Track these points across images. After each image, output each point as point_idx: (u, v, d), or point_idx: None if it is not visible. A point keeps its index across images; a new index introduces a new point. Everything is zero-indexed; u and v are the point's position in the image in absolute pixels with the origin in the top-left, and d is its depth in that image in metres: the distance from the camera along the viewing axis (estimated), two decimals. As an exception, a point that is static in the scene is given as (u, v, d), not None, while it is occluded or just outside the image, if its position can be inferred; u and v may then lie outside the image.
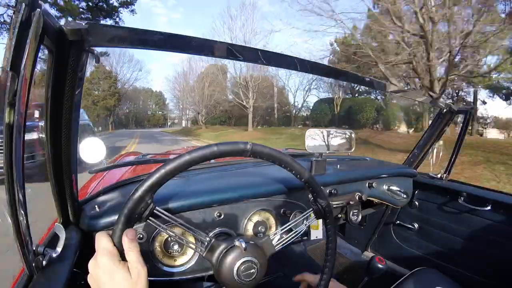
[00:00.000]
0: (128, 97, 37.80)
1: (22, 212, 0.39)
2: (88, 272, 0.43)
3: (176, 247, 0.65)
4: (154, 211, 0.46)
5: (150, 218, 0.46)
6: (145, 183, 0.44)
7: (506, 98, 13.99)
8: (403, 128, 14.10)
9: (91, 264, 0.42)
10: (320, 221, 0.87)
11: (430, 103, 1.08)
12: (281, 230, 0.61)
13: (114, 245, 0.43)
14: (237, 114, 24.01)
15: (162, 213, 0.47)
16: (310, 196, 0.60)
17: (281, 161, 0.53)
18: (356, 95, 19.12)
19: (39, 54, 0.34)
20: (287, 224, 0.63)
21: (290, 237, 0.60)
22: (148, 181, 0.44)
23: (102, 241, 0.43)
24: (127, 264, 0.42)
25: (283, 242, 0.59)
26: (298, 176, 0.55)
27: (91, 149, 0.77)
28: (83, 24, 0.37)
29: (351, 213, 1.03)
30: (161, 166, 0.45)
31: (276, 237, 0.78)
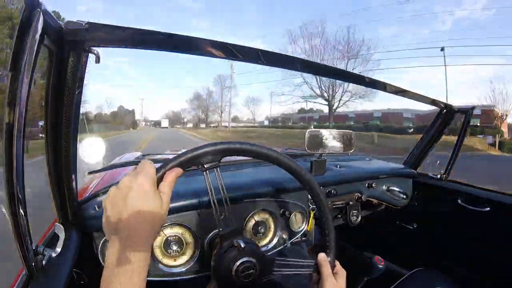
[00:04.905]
0: None
1: (22, 212, 0.39)
2: (88, 272, 0.43)
3: (175, 247, 0.65)
4: (214, 168, 0.50)
5: (207, 172, 0.50)
6: (228, 145, 0.49)
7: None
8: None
9: (126, 179, 0.41)
10: (313, 221, 0.87)
11: (430, 103, 1.08)
12: (286, 259, 0.60)
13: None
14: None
15: (219, 175, 0.53)
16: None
17: (321, 207, 0.57)
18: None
19: (39, 54, 0.34)
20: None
21: (289, 271, 0.59)
22: (231, 145, 0.49)
23: (148, 165, 0.42)
24: (160, 193, 0.42)
25: (281, 271, 0.58)
26: (326, 229, 0.59)
27: (91, 149, 0.77)
28: (83, 24, 0.37)
29: (350, 213, 1.03)
30: (247, 143, 0.51)
31: (276, 239, 0.78)
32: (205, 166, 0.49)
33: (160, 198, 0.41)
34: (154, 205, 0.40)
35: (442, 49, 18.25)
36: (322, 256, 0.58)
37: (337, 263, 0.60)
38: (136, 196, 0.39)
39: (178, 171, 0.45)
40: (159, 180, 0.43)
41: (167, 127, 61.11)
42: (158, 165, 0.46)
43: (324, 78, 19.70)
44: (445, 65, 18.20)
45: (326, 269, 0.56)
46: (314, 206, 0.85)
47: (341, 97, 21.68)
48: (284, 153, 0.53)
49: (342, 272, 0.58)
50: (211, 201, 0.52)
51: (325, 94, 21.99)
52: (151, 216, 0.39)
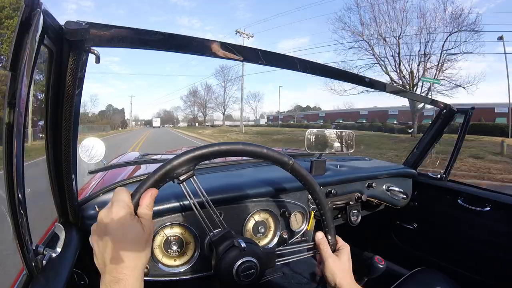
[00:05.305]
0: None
1: (22, 212, 0.39)
2: (87, 272, 0.43)
3: (175, 247, 0.65)
4: (191, 178, 0.49)
5: (184, 183, 0.49)
6: (198, 150, 0.48)
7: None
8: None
9: (102, 213, 0.41)
10: (313, 221, 0.87)
11: (430, 103, 1.08)
12: (285, 248, 0.60)
13: (132, 201, 0.43)
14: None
15: (196, 184, 0.51)
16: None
17: (311, 189, 0.56)
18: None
19: (39, 54, 0.34)
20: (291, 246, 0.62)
21: (291, 258, 0.59)
22: (202, 150, 0.48)
23: (121, 194, 0.43)
24: (140, 220, 0.42)
25: (283, 260, 0.58)
26: (320, 209, 0.57)
27: (91, 149, 0.77)
28: (83, 24, 0.37)
29: (350, 213, 1.04)
30: (217, 144, 0.49)
31: (276, 239, 0.78)
32: (181, 178, 0.48)
33: (140, 223, 0.41)
34: (134, 233, 0.40)
35: (501, 38, 14.10)
36: (319, 235, 0.58)
37: (339, 239, 0.59)
38: (115, 228, 0.39)
39: (153, 192, 0.44)
40: (136, 205, 0.43)
41: (159, 127, 58.68)
42: (152, 169, 0.45)
43: (405, 59, 12.48)
44: (505, 53, 14.40)
45: (325, 248, 0.56)
46: (315, 206, 0.86)
47: (431, 85, 12.14)
48: (253, 143, 0.52)
49: (344, 248, 0.58)
50: (194, 209, 0.52)
51: (405, 81, 12.91)
52: (134, 244, 0.39)
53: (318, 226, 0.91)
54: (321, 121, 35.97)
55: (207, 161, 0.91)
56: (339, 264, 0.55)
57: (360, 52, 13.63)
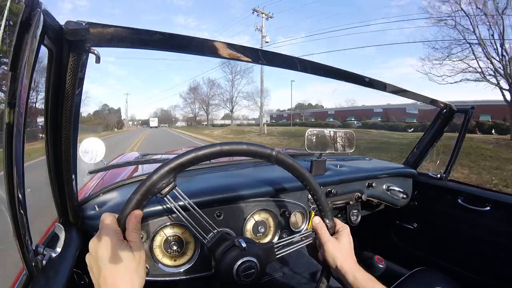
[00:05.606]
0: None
1: (22, 212, 0.39)
2: (88, 272, 0.43)
3: (175, 247, 0.65)
4: (174, 190, 0.48)
5: (168, 196, 0.48)
6: (175, 160, 0.46)
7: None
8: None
9: (92, 242, 0.42)
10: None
11: (430, 103, 1.08)
12: (284, 239, 0.60)
13: (119, 225, 0.44)
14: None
15: (180, 194, 0.50)
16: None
17: (300, 176, 0.55)
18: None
19: (39, 54, 0.34)
20: (291, 237, 0.62)
21: (291, 248, 0.59)
22: (179, 159, 0.47)
23: (107, 220, 0.43)
24: (129, 243, 0.42)
25: (284, 252, 0.58)
26: (313, 195, 0.57)
27: (91, 149, 0.77)
28: (83, 24, 0.37)
29: (350, 213, 1.04)
30: (193, 150, 0.48)
31: (276, 239, 0.78)
32: (163, 192, 0.47)
33: (129, 247, 0.42)
34: (124, 258, 0.41)
35: None
36: (316, 220, 0.57)
37: (337, 221, 0.59)
38: (106, 256, 0.40)
39: (136, 214, 0.45)
40: (124, 229, 0.44)
41: (156, 127, 57.25)
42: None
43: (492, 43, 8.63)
44: None
45: (323, 232, 0.56)
46: (315, 206, 0.86)
47: None
48: (230, 142, 0.52)
49: (343, 229, 0.57)
50: (185, 221, 0.53)
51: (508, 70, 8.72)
52: (126, 269, 0.40)
53: None
54: (331, 119, 34.53)
55: (207, 162, 0.91)
56: (339, 247, 0.54)
57: (451, 29, 9.72)
